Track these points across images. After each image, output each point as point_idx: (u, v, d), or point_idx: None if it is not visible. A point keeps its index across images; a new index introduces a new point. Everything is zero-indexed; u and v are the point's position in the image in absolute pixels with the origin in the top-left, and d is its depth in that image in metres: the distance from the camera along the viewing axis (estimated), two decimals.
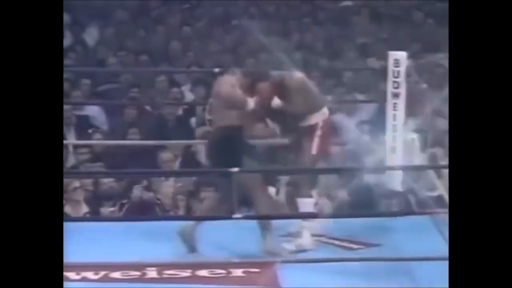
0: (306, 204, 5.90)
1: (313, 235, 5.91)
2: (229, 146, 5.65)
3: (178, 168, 7.66)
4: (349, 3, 11.00)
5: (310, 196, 5.91)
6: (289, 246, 5.82)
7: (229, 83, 5.76)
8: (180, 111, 8.60)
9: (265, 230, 5.70)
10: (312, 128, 5.91)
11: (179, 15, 10.64)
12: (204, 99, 7.89)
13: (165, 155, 7.64)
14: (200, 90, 8.72)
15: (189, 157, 7.79)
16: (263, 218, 5.69)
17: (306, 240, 5.84)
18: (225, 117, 5.72)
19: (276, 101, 5.85)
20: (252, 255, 5.66)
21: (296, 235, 5.88)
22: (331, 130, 6.05)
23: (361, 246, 5.92)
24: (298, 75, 5.97)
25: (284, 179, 7.03)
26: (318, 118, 5.94)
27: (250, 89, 5.78)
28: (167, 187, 7.39)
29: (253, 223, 5.70)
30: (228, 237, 5.80)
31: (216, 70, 6.92)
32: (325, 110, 5.99)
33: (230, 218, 5.33)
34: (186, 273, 5.50)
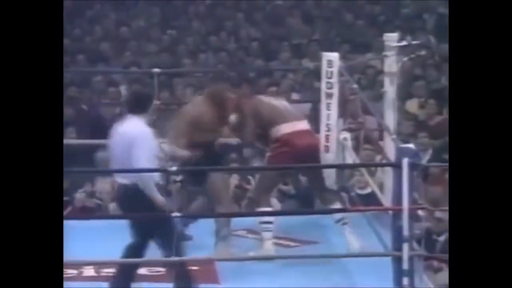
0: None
1: (251, 233, 5.94)
2: None
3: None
4: (280, 2, 11.04)
5: (269, 206, 5.98)
6: (252, 254, 5.78)
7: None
8: (117, 110, 8.52)
9: (218, 236, 5.70)
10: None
11: (115, 15, 10.57)
12: None
13: (102, 155, 7.56)
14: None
15: None
16: (204, 217, 5.67)
17: (267, 247, 5.80)
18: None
19: (232, 118, 5.91)
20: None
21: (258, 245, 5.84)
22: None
23: (298, 244, 5.94)
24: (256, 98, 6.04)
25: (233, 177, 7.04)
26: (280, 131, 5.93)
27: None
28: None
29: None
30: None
31: (155, 70, 6.88)
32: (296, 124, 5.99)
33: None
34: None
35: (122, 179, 5.09)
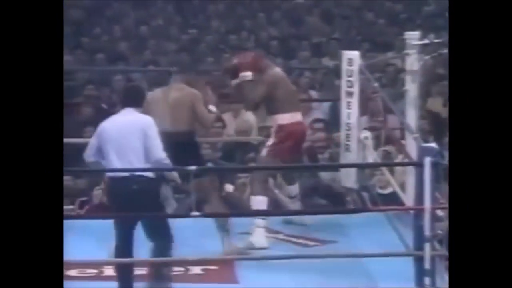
0: (258, 202, 5.88)
1: (270, 232, 5.91)
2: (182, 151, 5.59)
3: None
4: (300, 1, 11.02)
5: (263, 194, 5.89)
6: (241, 244, 5.78)
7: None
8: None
9: (223, 231, 5.66)
10: (277, 129, 5.92)
11: (134, 14, 10.59)
12: None
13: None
14: (156, 88, 8.65)
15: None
16: (219, 216, 5.65)
17: (257, 238, 5.80)
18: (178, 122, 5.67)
19: (247, 73, 5.89)
20: (211, 252, 5.62)
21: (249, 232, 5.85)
22: (294, 137, 6.02)
23: (317, 243, 5.91)
24: (279, 72, 6.04)
25: (241, 177, 7.00)
26: (287, 120, 5.94)
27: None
28: None
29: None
30: (186, 235, 5.76)
31: (173, 69, 6.87)
32: (297, 115, 6.00)
33: (188, 216, 5.29)
34: (143, 271, 5.44)
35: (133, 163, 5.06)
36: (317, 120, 7.88)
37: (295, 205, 6.25)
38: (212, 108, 5.80)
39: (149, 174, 5.11)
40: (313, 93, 8.80)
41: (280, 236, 6.00)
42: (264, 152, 6.01)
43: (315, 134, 7.46)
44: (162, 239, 5.15)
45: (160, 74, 8.81)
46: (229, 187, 6.71)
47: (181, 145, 5.57)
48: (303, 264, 5.43)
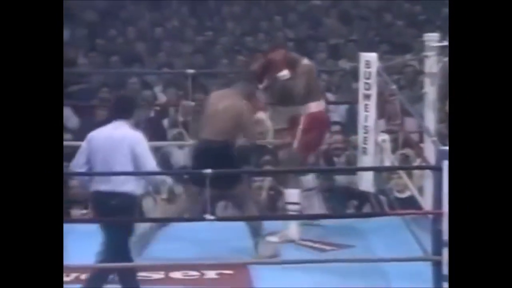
0: (292, 194, 5.91)
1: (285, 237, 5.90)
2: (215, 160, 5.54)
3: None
4: (318, 2, 10.98)
5: (296, 188, 5.93)
6: (273, 238, 5.77)
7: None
8: (152, 113, 8.52)
9: (257, 236, 5.64)
10: (307, 118, 5.94)
11: (149, 15, 10.59)
12: (176, 100, 7.82)
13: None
14: (172, 92, 8.65)
15: (161, 159, 7.71)
16: (236, 220, 5.63)
17: (292, 230, 5.81)
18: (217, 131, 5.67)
19: (284, 72, 5.89)
20: (226, 256, 5.60)
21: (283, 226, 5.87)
22: (324, 124, 6.08)
23: (334, 248, 5.88)
24: (308, 61, 6.09)
25: (266, 180, 7.00)
26: (315, 108, 5.98)
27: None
28: None
29: (225, 224, 5.65)
30: (201, 238, 5.75)
31: (189, 71, 6.85)
32: (322, 102, 6.08)
33: (203, 219, 5.26)
34: (159, 275, 5.43)
35: (120, 187, 4.99)
36: (334, 123, 7.84)
37: (311, 199, 6.28)
38: (261, 115, 5.82)
39: (132, 190, 5.02)
40: (330, 96, 8.76)
41: (297, 240, 5.97)
42: (295, 144, 5.98)
43: (332, 137, 7.42)
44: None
45: (175, 76, 8.82)
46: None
47: (216, 156, 5.56)
48: (320, 268, 5.40)
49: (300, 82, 5.97)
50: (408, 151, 7.06)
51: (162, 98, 8.84)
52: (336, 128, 7.72)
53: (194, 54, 9.78)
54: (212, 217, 5.16)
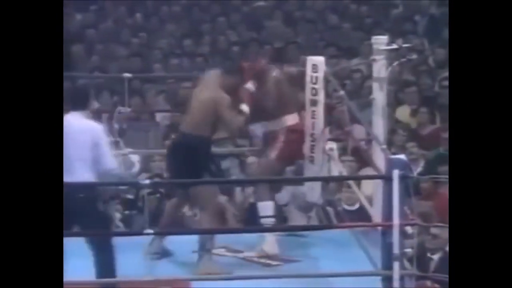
0: (265, 207, 5.92)
1: (230, 252, 5.89)
2: (192, 155, 5.61)
3: None
4: (262, 3, 11.01)
5: (271, 200, 5.96)
6: (250, 253, 5.77)
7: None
8: None
9: (202, 250, 5.62)
10: (281, 132, 5.96)
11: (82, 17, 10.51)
12: (111, 106, 7.77)
13: None
14: (106, 97, 8.60)
15: None
16: (177, 234, 5.61)
17: (270, 245, 5.82)
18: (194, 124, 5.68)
19: (249, 85, 5.87)
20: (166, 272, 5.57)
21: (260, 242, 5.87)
22: (299, 136, 6.08)
23: (279, 262, 5.88)
24: (277, 73, 6.06)
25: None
26: (292, 120, 5.99)
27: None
28: None
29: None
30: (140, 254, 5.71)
31: (125, 75, 6.81)
32: (296, 116, 6.06)
33: (141, 233, 5.23)
34: None
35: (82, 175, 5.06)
36: None
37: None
38: (245, 108, 5.77)
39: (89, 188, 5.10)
40: None
41: (241, 255, 5.96)
42: (272, 154, 5.99)
43: None
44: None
45: (108, 80, 8.76)
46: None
47: (192, 151, 5.60)
48: (266, 283, 5.41)
49: (270, 95, 5.96)
50: (356, 159, 7.11)
51: (94, 104, 8.77)
52: None
53: (130, 58, 9.74)
54: (150, 231, 5.14)
